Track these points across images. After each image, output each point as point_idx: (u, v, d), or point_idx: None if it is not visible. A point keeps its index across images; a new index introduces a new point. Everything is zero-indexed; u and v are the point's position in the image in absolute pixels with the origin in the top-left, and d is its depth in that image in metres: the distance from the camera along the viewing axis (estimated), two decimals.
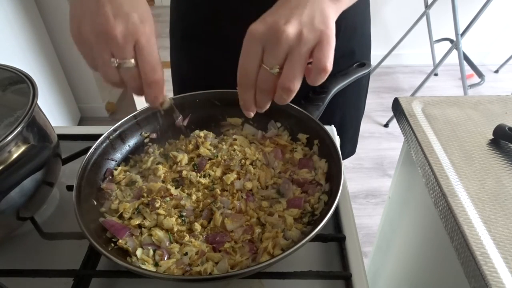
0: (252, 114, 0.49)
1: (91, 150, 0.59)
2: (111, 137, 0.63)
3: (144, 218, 0.55)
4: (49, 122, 0.60)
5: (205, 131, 0.69)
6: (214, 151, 0.65)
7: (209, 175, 0.61)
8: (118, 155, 0.64)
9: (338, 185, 0.52)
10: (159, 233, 0.52)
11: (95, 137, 0.61)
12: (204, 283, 0.52)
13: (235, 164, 0.61)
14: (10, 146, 0.47)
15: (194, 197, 0.58)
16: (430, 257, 0.72)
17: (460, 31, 2.21)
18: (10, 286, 0.50)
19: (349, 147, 0.98)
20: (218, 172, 0.61)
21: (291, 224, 0.53)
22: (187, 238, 0.52)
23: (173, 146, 0.68)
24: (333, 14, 0.43)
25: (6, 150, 0.47)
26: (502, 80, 2.85)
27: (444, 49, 2.37)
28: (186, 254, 0.50)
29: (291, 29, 0.40)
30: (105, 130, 0.62)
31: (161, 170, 0.61)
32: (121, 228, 0.53)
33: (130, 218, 0.55)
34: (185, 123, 0.70)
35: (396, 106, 0.76)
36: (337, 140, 0.75)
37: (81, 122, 2.48)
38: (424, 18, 2.54)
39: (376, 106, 2.62)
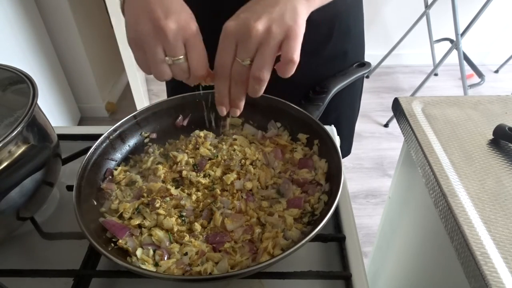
0: (225, 111, 0.52)
1: (91, 150, 0.59)
2: (111, 137, 0.63)
3: (144, 218, 0.55)
4: (49, 122, 0.60)
5: (205, 131, 0.69)
6: (214, 151, 0.65)
7: (209, 175, 0.61)
8: (118, 155, 0.64)
9: (338, 185, 0.52)
10: (159, 233, 0.52)
11: (95, 137, 0.61)
12: (204, 283, 0.52)
13: (235, 164, 0.61)
14: (10, 146, 0.47)
15: (194, 197, 0.58)
16: (430, 257, 0.72)
17: (460, 31, 2.21)
18: (10, 286, 0.50)
19: (345, 148, 0.98)
20: (218, 172, 0.61)
21: (291, 224, 0.53)
22: (187, 238, 0.52)
23: (173, 146, 0.68)
24: (304, 12, 0.47)
25: (6, 150, 0.47)
26: (502, 80, 2.85)
27: (444, 49, 2.37)
28: (186, 254, 0.50)
29: (261, 26, 0.44)
30: (105, 130, 0.62)
31: (161, 170, 0.61)
32: (121, 228, 0.53)
33: (130, 218, 0.55)
34: (185, 123, 0.70)
35: (396, 106, 0.76)
36: (337, 140, 0.75)
37: (81, 122, 2.48)
38: (424, 18, 2.54)
39: (376, 106, 2.62)
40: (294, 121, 0.66)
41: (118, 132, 0.64)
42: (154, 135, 0.68)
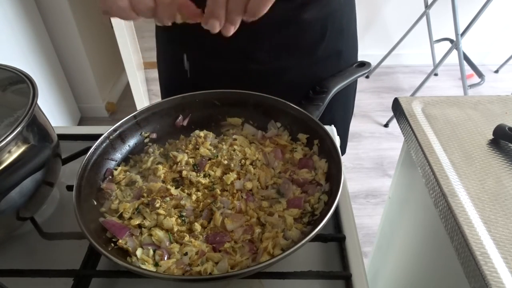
0: (217, 27, 0.46)
1: (91, 150, 0.59)
2: (111, 137, 0.63)
3: (144, 218, 0.55)
4: (49, 122, 0.60)
5: (205, 131, 0.69)
6: (214, 151, 0.65)
7: (209, 175, 0.61)
8: (118, 155, 0.64)
9: (338, 185, 0.52)
10: (159, 233, 0.52)
11: (95, 137, 0.61)
12: (204, 283, 0.52)
13: (235, 164, 0.61)
14: (10, 146, 0.47)
15: (194, 197, 0.58)
16: (430, 257, 0.72)
17: (460, 31, 2.21)
18: (10, 286, 0.50)
19: (341, 148, 0.99)
20: (218, 172, 0.61)
21: (291, 224, 0.53)
22: (187, 238, 0.52)
23: (173, 146, 0.68)
24: None
25: (6, 150, 0.47)
26: (502, 80, 2.85)
27: (444, 49, 2.37)
28: (186, 254, 0.50)
29: None
30: (105, 130, 0.62)
31: (161, 170, 0.61)
32: (121, 228, 0.53)
33: (130, 218, 0.55)
34: (185, 123, 0.70)
35: (396, 106, 0.76)
36: (337, 140, 0.75)
37: (81, 122, 2.48)
38: (424, 18, 2.54)
39: (376, 106, 2.62)
40: (294, 121, 0.66)
41: (118, 132, 0.64)
42: (154, 135, 0.68)
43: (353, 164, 2.18)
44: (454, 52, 2.27)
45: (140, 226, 0.54)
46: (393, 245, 0.94)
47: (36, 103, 0.52)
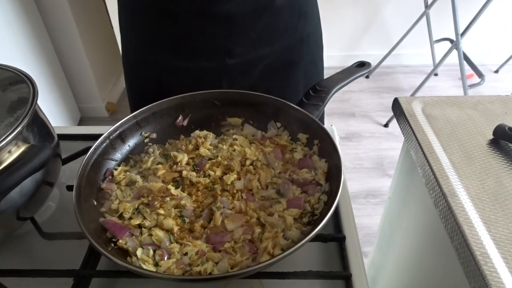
0: None
1: (91, 150, 0.59)
2: (111, 137, 0.63)
3: (144, 218, 0.55)
4: (49, 122, 0.60)
5: (205, 131, 0.69)
6: (214, 151, 0.65)
7: (209, 175, 0.61)
8: (118, 155, 0.64)
9: (338, 185, 0.52)
10: (159, 233, 0.52)
11: (95, 137, 0.61)
12: (204, 283, 0.52)
13: (235, 164, 0.61)
14: (10, 146, 0.47)
15: (194, 197, 0.58)
16: (430, 257, 0.72)
17: (460, 31, 2.21)
18: (10, 286, 0.50)
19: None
20: (218, 172, 0.61)
21: (291, 224, 0.53)
22: (187, 238, 0.52)
23: (173, 146, 0.68)
24: None
25: (6, 150, 0.47)
26: (502, 80, 2.85)
27: (444, 49, 2.37)
28: (186, 254, 0.50)
29: None
30: (105, 130, 0.62)
31: (161, 170, 0.61)
32: (121, 228, 0.53)
33: (130, 218, 0.55)
34: (185, 123, 0.70)
35: (396, 106, 0.76)
36: (337, 140, 0.74)
37: (81, 122, 2.48)
38: (424, 18, 2.54)
39: (376, 106, 2.62)
40: (294, 121, 0.66)
41: (118, 132, 0.64)
42: (154, 135, 0.68)
43: (353, 164, 2.18)
44: (454, 52, 2.27)
45: (140, 226, 0.54)
46: (393, 245, 0.94)
47: (36, 103, 0.52)
